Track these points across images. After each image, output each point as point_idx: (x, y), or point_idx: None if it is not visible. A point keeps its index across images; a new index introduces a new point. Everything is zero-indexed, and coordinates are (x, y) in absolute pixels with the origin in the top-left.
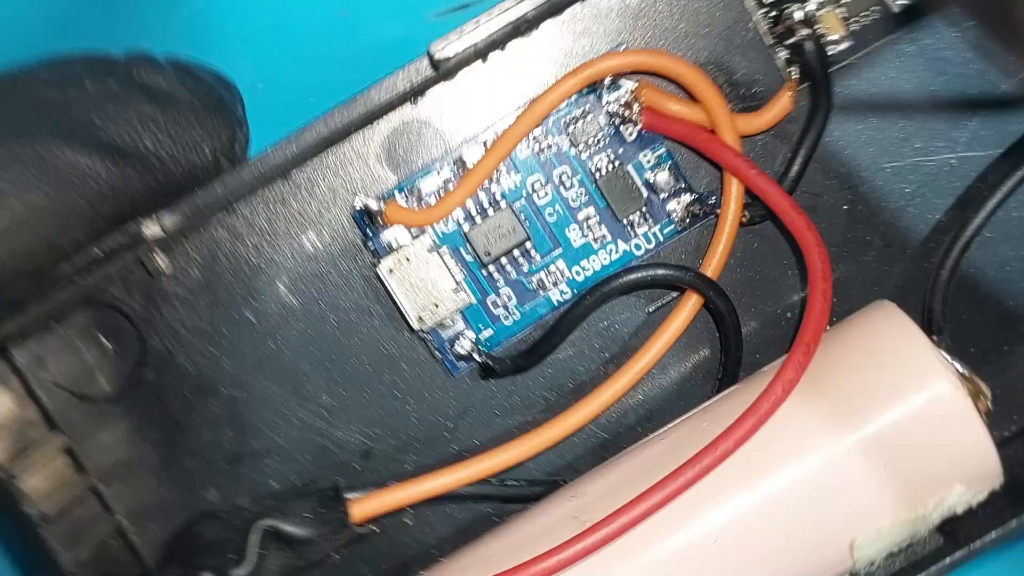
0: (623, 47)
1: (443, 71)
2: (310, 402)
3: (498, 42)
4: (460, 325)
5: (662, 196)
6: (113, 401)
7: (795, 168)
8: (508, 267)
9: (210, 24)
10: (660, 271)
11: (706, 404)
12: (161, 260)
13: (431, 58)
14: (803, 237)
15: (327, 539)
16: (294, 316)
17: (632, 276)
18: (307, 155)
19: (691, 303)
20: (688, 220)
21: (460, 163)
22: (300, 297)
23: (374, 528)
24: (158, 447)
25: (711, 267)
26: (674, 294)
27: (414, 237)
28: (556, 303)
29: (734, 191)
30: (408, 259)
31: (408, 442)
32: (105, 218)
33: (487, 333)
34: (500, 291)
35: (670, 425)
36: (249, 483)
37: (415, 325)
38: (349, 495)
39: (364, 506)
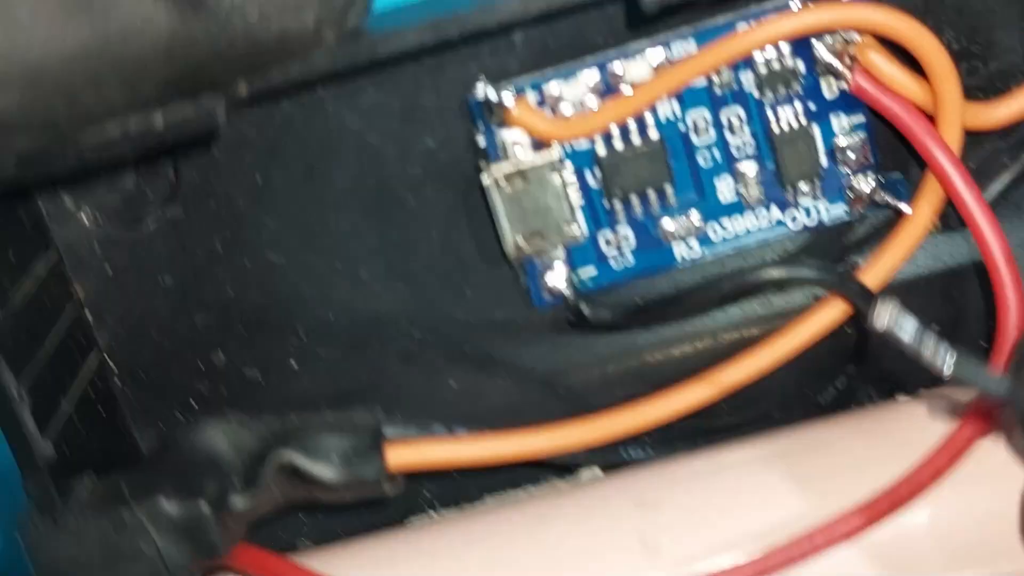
0: None
1: None
2: (360, 287)
3: None
4: (558, 253)
5: (843, 170)
6: (126, 229)
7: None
8: (635, 204)
9: None
10: (819, 274)
11: (824, 424)
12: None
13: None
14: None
15: (349, 490)
16: (366, 191)
17: (784, 272)
18: (443, 48)
19: (839, 309)
20: (865, 206)
21: (615, 77)
22: (377, 174)
23: (401, 485)
24: (168, 294)
25: (877, 276)
26: None
27: (536, 149)
28: (679, 259)
29: (934, 197)
30: (523, 175)
31: (459, 358)
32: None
33: (588, 271)
34: (617, 228)
35: (777, 437)
36: (264, 355)
37: (510, 252)
38: (389, 431)
39: (403, 453)
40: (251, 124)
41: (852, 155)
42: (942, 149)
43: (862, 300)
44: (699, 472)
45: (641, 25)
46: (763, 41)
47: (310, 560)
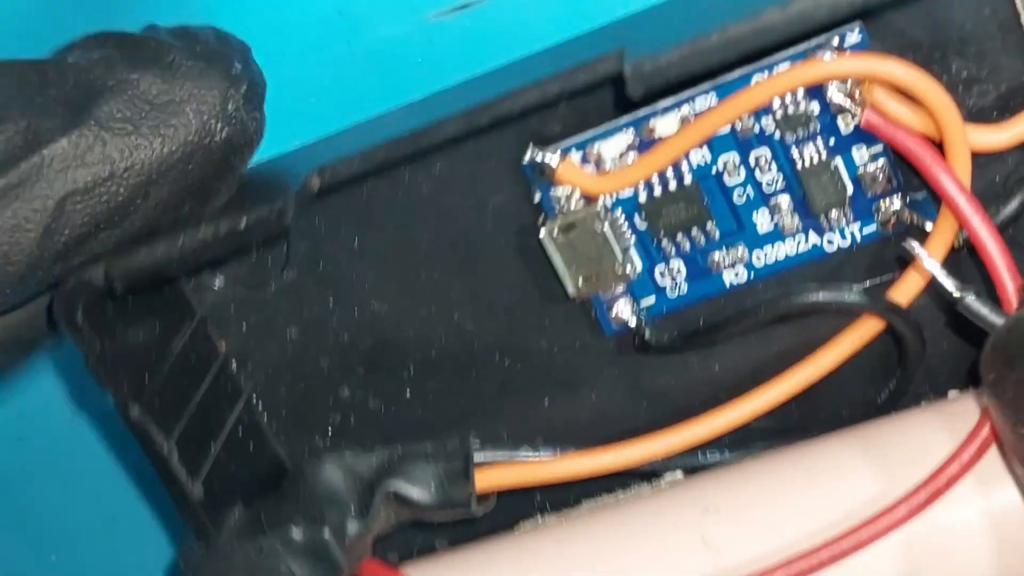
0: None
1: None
2: (454, 326)
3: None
4: (619, 289)
5: (869, 194)
6: (254, 292)
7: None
8: (683, 241)
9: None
10: (852, 298)
11: (877, 424)
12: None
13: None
14: None
15: (443, 511)
16: (448, 245)
17: (817, 297)
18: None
19: (876, 324)
20: (895, 226)
21: (649, 131)
22: (455, 230)
23: (492, 504)
24: (295, 343)
25: (907, 293)
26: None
27: (585, 202)
28: (729, 285)
29: (949, 220)
30: (574, 226)
31: (546, 381)
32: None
33: (647, 301)
34: (670, 263)
35: (832, 437)
36: (382, 389)
37: (571, 293)
38: (478, 456)
39: (490, 476)
40: (343, 197)
41: (876, 181)
42: (947, 177)
43: (894, 316)
44: (758, 476)
45: (628, 106)
46: (774, 92)
47: (419, 570)
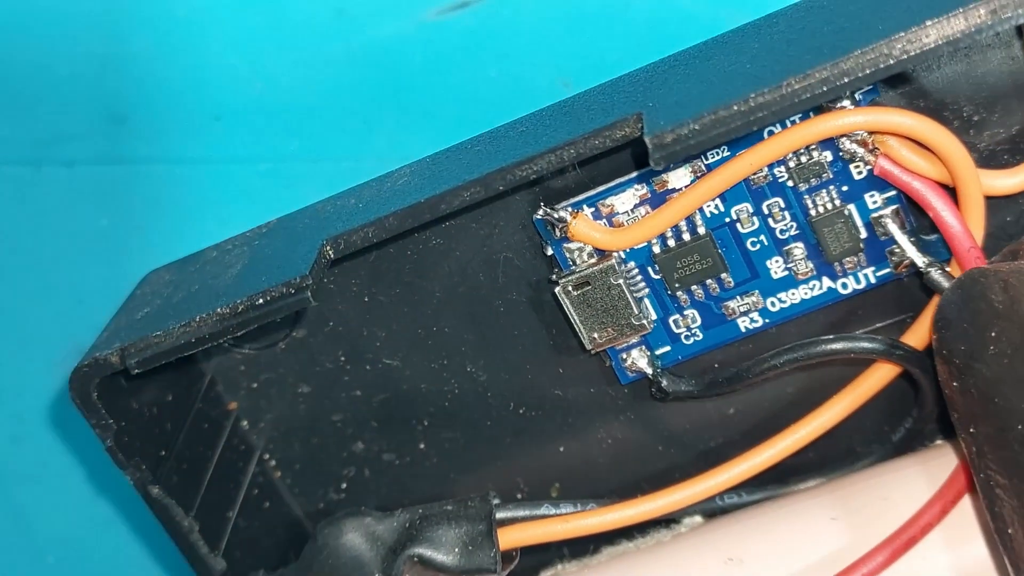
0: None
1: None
2: (467, 378)
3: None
4: (634, 339)
5: (883, 238)
6: (263, 350)
7: None
8: (697, 291)
9: (205, 22)
10: (868, 345)
11: (887, 467)
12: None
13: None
14: None
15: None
16: (459, 299)
17: (833, 347)
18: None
19: (892, 369)
20: (909, 268)
21: (662, 184)
22: (466, 284)
23: (516, 561)
24: (307, 399)
25: (922, 337)
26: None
27: (598, 256)
28: (744, 330)
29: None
30: (588, 281)
31: (562, 427)
32: None
33: (663, 349)
34: (685, 312)
35: (842, 479)
36: (396, 441)
37: (588, 346)
38: (500, 515)
39: (514, 536)
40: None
41: (889, 225)
42: (956, 227)
43: (910, 363)
44: (777, 525)
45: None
46: (789, 147)
47: None
